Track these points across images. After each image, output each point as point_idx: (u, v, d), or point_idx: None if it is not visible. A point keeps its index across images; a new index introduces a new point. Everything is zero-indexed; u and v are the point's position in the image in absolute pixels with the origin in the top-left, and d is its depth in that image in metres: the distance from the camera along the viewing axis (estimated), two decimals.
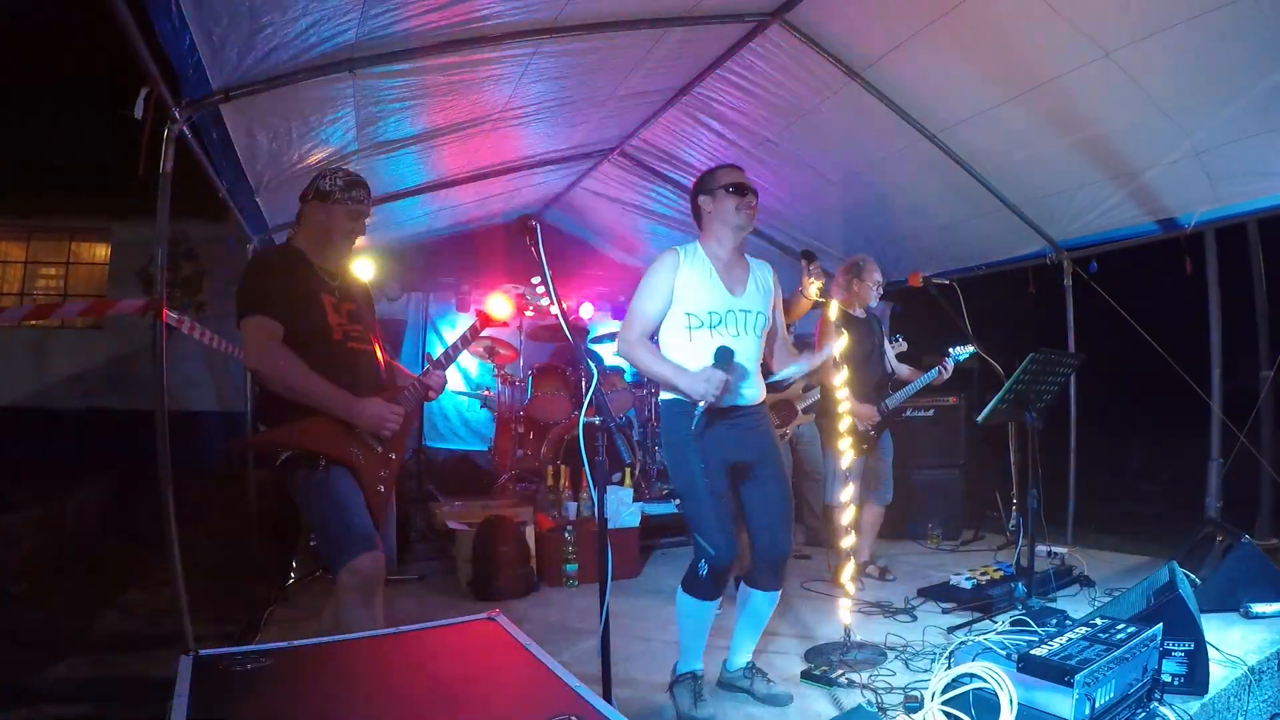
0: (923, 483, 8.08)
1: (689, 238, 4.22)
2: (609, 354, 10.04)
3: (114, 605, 5.85)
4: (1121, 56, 5.38)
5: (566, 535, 6.47)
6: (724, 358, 3.79)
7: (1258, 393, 7.56)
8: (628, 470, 7.37)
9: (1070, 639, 3.52)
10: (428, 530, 8.11)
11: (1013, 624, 4.02)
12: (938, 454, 8.32)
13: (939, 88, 6.22)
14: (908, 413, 8.04)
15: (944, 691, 3.45)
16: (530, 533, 6.56)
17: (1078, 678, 3.12)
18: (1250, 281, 8.53)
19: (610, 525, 6.19)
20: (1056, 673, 3.20)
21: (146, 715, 3.76)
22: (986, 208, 7.47)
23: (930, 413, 8.34)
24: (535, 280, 3.92)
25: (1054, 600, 5.65)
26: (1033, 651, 3.38)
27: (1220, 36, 5.04)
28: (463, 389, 10.47)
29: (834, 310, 4.89)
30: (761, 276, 4.19)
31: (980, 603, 5.60)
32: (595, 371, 3.08)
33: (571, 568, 6.42)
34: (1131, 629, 3.65)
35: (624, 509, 6.73)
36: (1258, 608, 4.99)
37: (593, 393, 2.95)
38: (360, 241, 4.06)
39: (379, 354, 4.02)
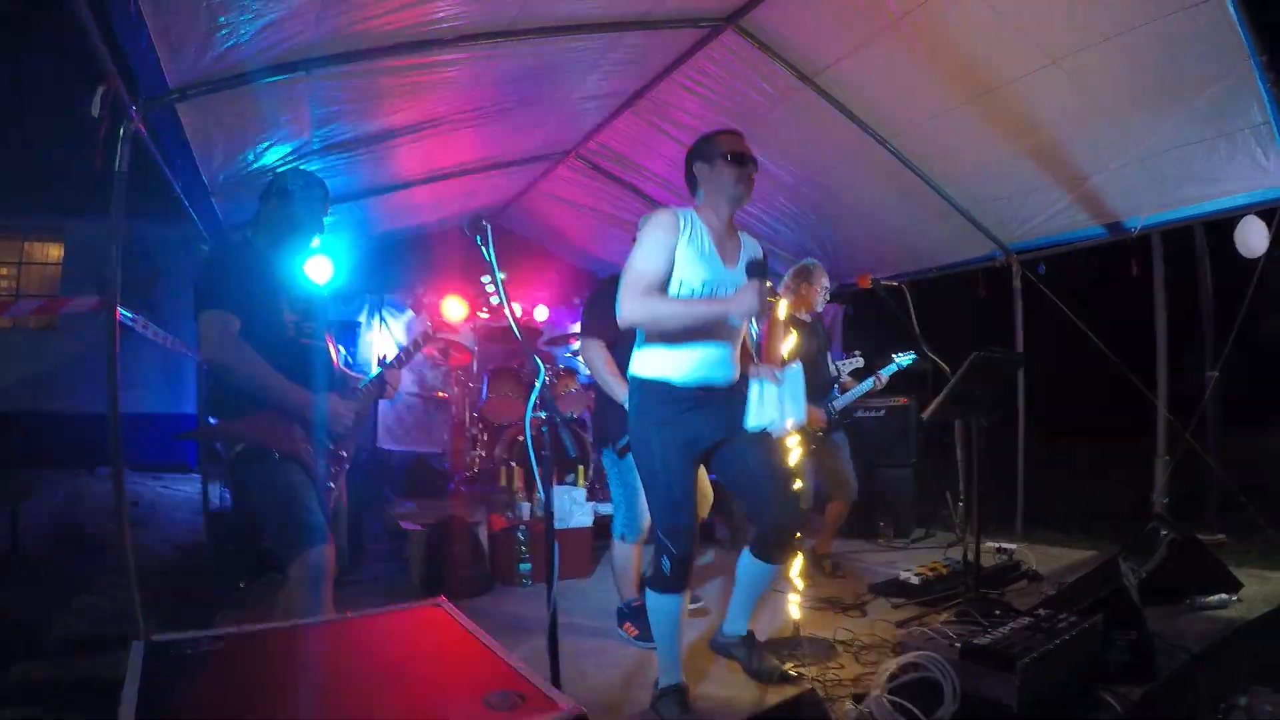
0: (874, 481, 8.12)
1: None
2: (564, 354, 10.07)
3: (68, 609, 5.80)
4: (1068, 64, 5.51)
5: (520, 535, 6.48)
6: (757, 270, 3.68)
7: (1204, 392, 7.71)
8: (581, 470, 7.40)
9: (1013, 628, 3.61)
10: (381, 532, 8.12)
11: (958, 616, 4.10)
12: (889, 453, 8.40)
13: (891, 93, 6.31)
14: (859, 413, 8.13)
15: (890, 681, 3.52)
16: (484, 533, 6.57)
17: (1019, 664, 3.20)
18: (1196, 284, 8.71)
19: (562, 525, 6.30)
20: (998, 660, 3.28)
21: (103, 717, 3.75)
22: (938, 211, 7.58)
23: (881, 413, 8.42)
24: (485, 279, 3.90)
25: (1002, 595, 5.74)
26: (975, 641, 3.46)
27: (1165, 45, 5.17)
28: (418, 391, 10.46)
29: (782, 309, 4.91)
30: (752, 250, 4.04)
31: (929, 598, 5.68)
32: (542, 368, 3.10)
33: (525, 567, 6.44)
34: (1073, 619, 3.75)
35: (577, 509, 6.76)
36: (1202, 599, 5.13)
37: (539, 389, 2.98)
38: (315, 242, 4.09)
39: (332, 351, 4.06)
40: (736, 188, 3.86)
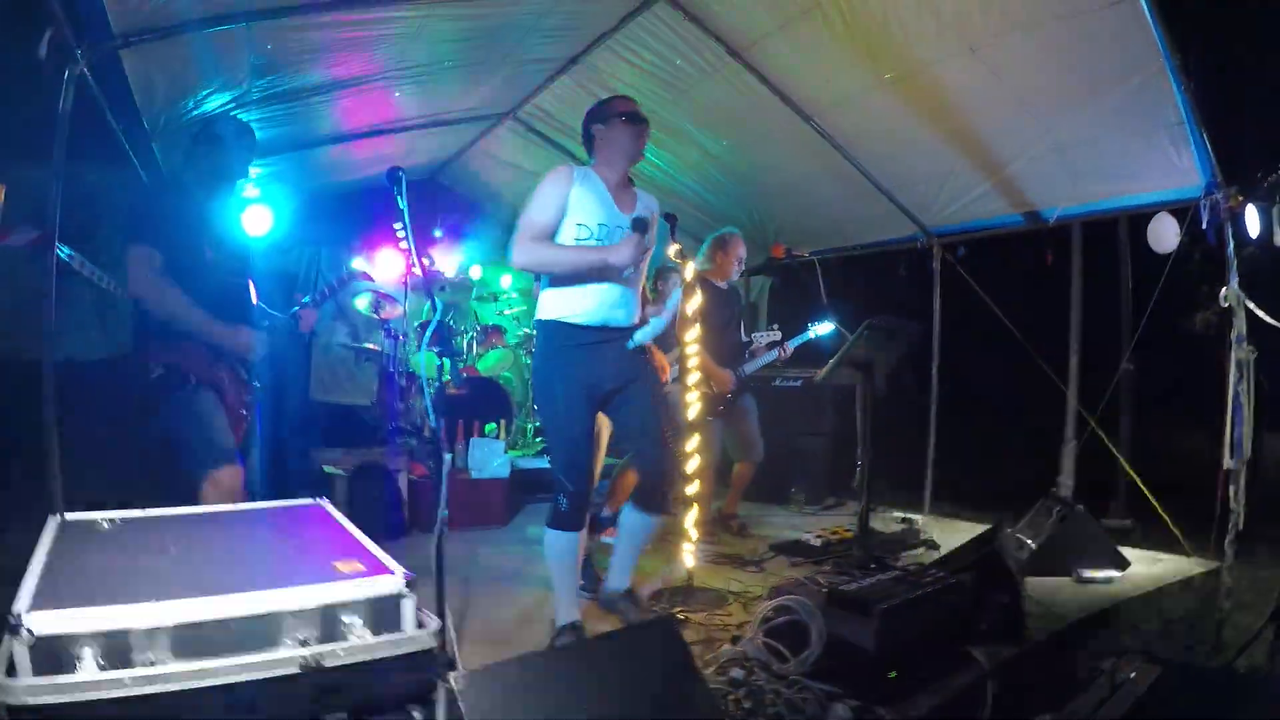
0: (788, 449, 8.27)
1: None
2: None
3: None
4: (986, 52, 5.64)
5: None
6: (640, 226, 3.91)
7: (1119, 383, 7.95)
8: (501, 424, 7.55)
9: (880, 579, 3.81)
10: (306, 478, 8.20)
11: (835, 568, 4.30)
12: (803, 422, 8.58)
13: (817, 71, 6.39)
14: (776, 382, 8.33)
15: (764, 623, 3.71)
16: (404, 480, 6.71)
17: (877, 609, 3.39)
18: (1118, 277, 8.94)
19: (480, 475, 6.46)
20: (859, 605, 3.47)
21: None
22: (861, 191, 7.71)
23: (798, 383, 8.58)
24: (397, 225, 4.04)
25: (897, 559, 5.92)
26: (841, 587, 3.65)
27: (1082, 40, 5.30)
28: (350, 343, 10.46)
29: (689, 271, 5.02)
30: (647, 203, 4.27)
31: (825, 558, 5.87)
32: (439, 305, 3.24)
33: (443, 514, 6.56)
34: (941, 574, 3.95)
35: (494, 459, 6.89)
36: (1088, 573, 5.39)
37: (434, 324, 3.13)
38: (251, 191, 4.27)
39: (251, 289, 4.24)
40: (632, 145, 4.12)
